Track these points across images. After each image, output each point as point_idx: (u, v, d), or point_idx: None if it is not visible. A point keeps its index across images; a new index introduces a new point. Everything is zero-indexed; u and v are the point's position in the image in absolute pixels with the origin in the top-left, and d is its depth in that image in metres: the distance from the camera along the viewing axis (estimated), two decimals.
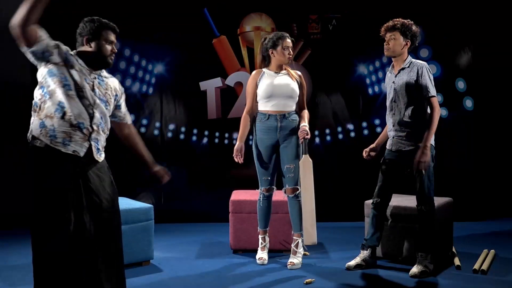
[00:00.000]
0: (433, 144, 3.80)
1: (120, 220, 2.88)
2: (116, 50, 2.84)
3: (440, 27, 5.66)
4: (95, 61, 2.78)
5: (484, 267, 3.81)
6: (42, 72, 2.66)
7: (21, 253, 4.32)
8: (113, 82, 2.93)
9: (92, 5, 5.27)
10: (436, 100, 3.73)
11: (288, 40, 3.96)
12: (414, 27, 3.80)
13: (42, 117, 2.67)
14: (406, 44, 3.79)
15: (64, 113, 2.64)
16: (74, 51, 2.79)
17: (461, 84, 5.73)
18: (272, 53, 3.98)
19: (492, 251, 4.21)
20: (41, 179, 2.63)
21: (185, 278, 3.75)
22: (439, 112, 3.73)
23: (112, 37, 2.81)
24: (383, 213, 3.95)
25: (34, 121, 2.70)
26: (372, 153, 4.03)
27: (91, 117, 2.71)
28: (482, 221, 5.66)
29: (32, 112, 2.73)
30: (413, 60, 3.82)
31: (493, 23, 5.75)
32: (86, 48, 2.76)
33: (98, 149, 2.77)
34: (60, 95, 2.64)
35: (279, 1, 5.78)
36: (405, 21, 3.81)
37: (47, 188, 2.62)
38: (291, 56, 4.01)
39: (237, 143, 4.05)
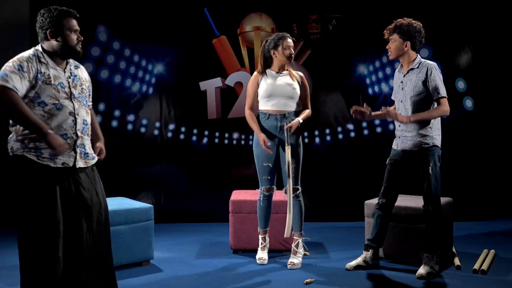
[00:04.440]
0: (439, 145, 3.77)
1: (108, 221, 2.87)
2: (82, 38, 2.73)
3: (440, 27, 5.66)
4: (64, 53, 2.69)
5: (484, 267, 3.81)
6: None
7: None
8: (83, 72, 2.85)
9: (92, 5, 5.26)
10: (446, 101, 3.64)
11: (289, 40, 3.98)
12: (413, 26, 3.68)
13: (19, 135, 2.60)
14: (406, 45, 3.70)
15: None
16: (39, 46, 2.69)
17: (461, 84, 5.73)
18: (273, 53, 3.99)
19: (492, 251, 4.21)
20: (31, 193, 2.58)
21: (185, 278, 3.75)
22: (445, 112, 3.65)
23: (75, 24, 2.70)
24: (388, 214, 3.90)
25: (13, 137, 2.62)
26: (361, 111, 3.76)
27: (74, 124, 2.66)
28: (482, 221, 5.66)
29: (10, 128, 2.65)
30: (423, 60, 3.74)
31: (493, 23, 5.75)
32: (51, 42, 2.65)
33: (86, 153, 2.74)
34: (36, 112, 2.56)
35: (279, 1, 5.78)
36: (403, 21, 3.71)
37: (38, 201, 2.58)
38: (293, 55, 4.02)
39: (259, 135, 3.94)
